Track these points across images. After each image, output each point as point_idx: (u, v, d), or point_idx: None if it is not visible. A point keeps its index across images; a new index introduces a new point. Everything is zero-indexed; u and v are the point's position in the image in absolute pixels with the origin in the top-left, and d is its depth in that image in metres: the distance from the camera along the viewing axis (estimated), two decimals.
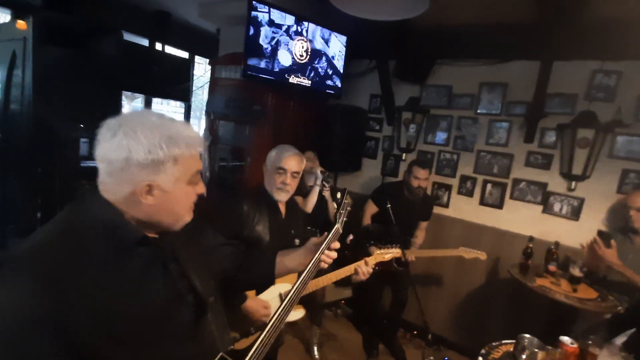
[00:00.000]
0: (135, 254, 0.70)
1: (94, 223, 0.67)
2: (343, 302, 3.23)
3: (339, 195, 1.11)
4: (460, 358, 2.77)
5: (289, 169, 1.53)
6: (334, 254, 1.04)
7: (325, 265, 1.05)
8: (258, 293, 1.46)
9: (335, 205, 1.13)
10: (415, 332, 2.99)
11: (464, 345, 2.79)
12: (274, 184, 1.54)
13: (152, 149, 0.66)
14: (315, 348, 2.63)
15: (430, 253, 2.51)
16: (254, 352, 0.77)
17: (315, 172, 2.44)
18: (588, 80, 2.35)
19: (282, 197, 1.56)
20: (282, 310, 0.86)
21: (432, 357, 2.72)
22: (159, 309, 0.70)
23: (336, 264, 1.34)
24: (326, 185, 2.41)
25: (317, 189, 2.41)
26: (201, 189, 0.79)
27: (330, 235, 1.04)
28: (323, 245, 1.01)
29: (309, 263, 0.99)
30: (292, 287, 0.94)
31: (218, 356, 0.76)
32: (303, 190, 2.48)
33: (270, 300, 1.51)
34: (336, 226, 1.07)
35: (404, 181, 2.64)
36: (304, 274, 0.97)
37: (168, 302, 0.73)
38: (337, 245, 1.06)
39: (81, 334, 0.59)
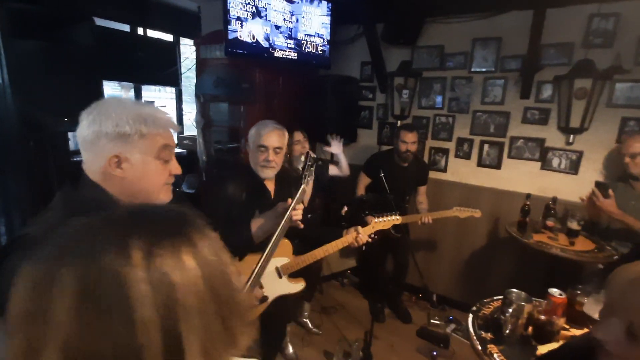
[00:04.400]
0: None
1: (89, 205, 0.73)
2: (349, 271, 3.31)
3: (303, 158, 1.36)
4: (465, 316, 2.84)
5: (269, 146, 1.51)
6: (300, 207, 1.28)
7: (299, 224, 1.28)
8: (240, 259, 1.51)
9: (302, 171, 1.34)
10: (420, 295, 3.06)
11: (467, 304, 2.85)
12: (258, 162, 1.53)
13: (119, 123, 0.73)
14: (308, 321, 2.64)
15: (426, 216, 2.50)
16: None
17: (301, 159, 2.35)
18: (585, 26, 2.23)
19: (267, 175, 1.56)
20: (263, 260, 1.05)
21: (437, 317, 2.82)
22: None
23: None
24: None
25: (311, 182, 2.25)
26: (175, 168, 0.83)
27: (297, 195, 1.22)
28: (292, 203, 1.19)
29: (282, 221, 1.19)
30: (269, 240, 1.16)
31: None
32: (293, 174, 2.42)
33: (268, 274, 1.55)
34: (302, 186, 1.25)
35: (394, 147, 2.61)
36: (277, 231, 1.18)
37: None
38: (301, 206, 1.29)
39: None
